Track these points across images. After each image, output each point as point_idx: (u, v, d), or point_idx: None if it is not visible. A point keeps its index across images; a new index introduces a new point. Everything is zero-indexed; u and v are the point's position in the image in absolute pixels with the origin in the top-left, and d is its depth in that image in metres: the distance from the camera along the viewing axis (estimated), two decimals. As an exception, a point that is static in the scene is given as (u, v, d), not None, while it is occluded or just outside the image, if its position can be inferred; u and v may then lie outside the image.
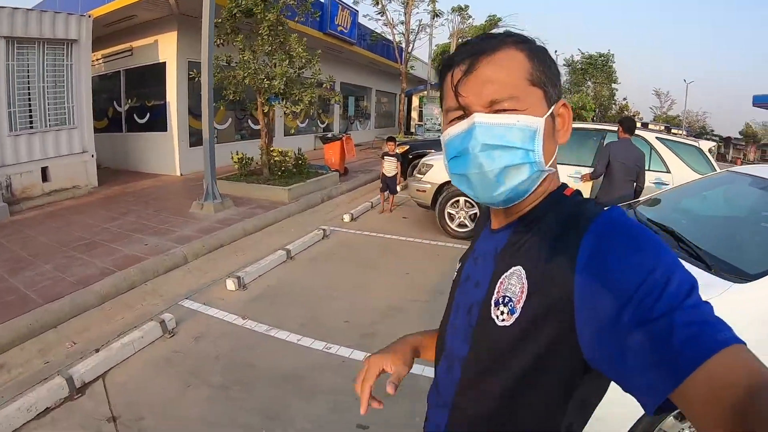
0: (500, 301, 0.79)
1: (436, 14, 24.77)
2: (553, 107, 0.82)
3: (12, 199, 8.63)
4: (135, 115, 12.86)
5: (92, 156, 10.28)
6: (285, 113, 9.87)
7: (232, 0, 9.38)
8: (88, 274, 5.35)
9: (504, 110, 0.78)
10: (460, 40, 30.31)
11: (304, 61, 9.81)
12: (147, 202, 8.98)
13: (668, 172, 6.53)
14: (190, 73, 9.48)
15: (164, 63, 11.83)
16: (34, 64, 9.10)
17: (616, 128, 6.22)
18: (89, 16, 9.99)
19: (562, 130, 0.86)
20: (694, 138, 8.21)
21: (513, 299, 0.76)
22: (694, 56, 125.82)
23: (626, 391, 0.62)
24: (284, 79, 9.18)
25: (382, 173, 8.87)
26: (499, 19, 31.27)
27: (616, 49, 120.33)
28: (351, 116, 22.85)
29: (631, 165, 5.70)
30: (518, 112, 0.78)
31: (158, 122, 12.19)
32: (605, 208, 0.76)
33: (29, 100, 9.15)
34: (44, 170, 9.34)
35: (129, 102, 13.04)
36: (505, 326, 0.77)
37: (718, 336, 0.56)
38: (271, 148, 10.35)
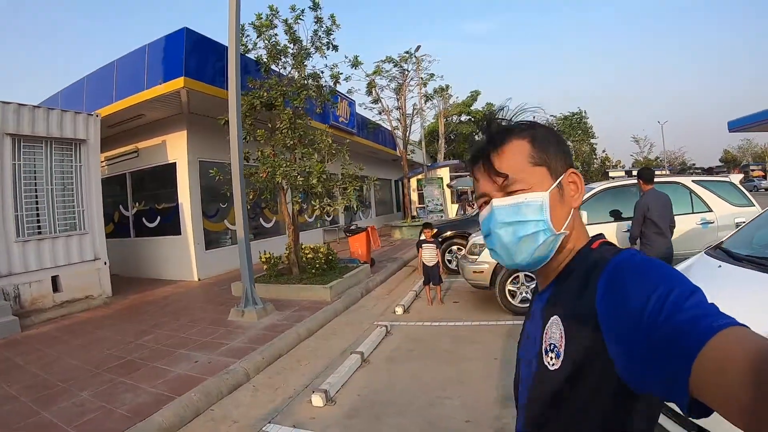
0: (548, 349, 0.89)
1: (427, 98, 25.38)
2: (561, 177, 0.96)
3: (21, 312, 7.73)
4: (144, 219, 12.13)
5: (105, 263, 9.40)
6: (321, 209, 9.21)
7: (250, 93, 9.20)
8: (140, 402, 4.42)
9: (515, 191, 0.94)
10: (446, 120, 31.25)
11: (333, 153, 9.55)
12: (175, 312, 8.01)
13: (710, 210, 6.79)
14: (210, 171, 9.06)
15: (174, 163, 11.31)
16: (42, 164, 8.51)
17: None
18: (97, 115, 9.53)
19: (576, 194, 0.98)
20: (724, 174, 8.47)
21: (557, 345, 0.86)
22: (664, 95, 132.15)
23: (664, 400, 0.70)
24: (322, 175, 8.71)
25: (422, 263, 8.10)
26: (479, 93, 33.56)
27: (587, 105, 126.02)
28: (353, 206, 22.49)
29: (666, 214, 5.75)
30: (525, 191, 0.94)
31: (170, 225, 11.47)
32: (621, 251, 0.87)
33: (36, 203, 8.44)
34: (54, 279, 8.49)
35: (137, 205, 12.35)
36: (555, 370, 0.86)
37: (715, 322, 0.62)
38: (302, 245, 9.75)
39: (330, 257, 9.72)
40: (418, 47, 22.95)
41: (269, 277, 9.38)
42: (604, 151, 57.27)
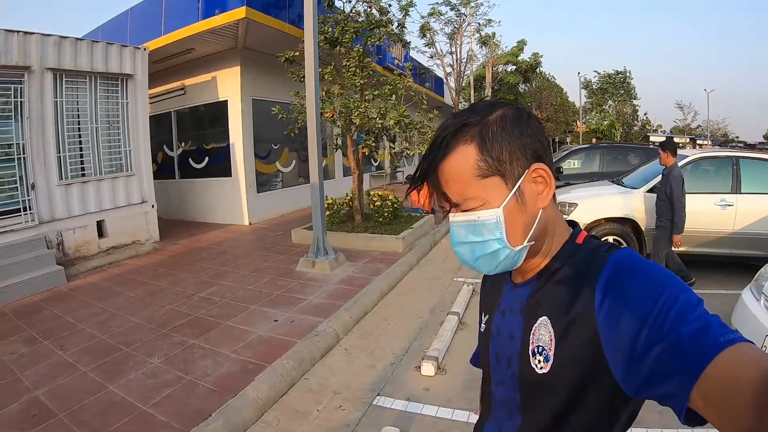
0: (536, 351, 0.85)
1: (483, 43, 23.95)
2: (520, 181, 0.84)
3: (65, 260, 7.09)
4: (190, 160, 11.34)
5: (153, 206, 8.68)
6: (394, 153, 8.41)
7: None
8: (224, 372, 3.76)
9: (468, 209, 0.85)
10: (493, 68, 29.93)
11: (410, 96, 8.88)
12: (234, 260, 7.33)
13: (738, 192, 6.10)
14: (272, 110, 8.36)
15: (225, 101, 10.41)
16: (85, 102, 7.67)
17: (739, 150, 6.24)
18: (145, 49, 8.57)
19: (545, 191, 0.86)
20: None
21: (545, 348, 0.82)
22: (712, 65, 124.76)
23: (662, 405, 0.66)
24: (403, 118, 7.98)
25: None
26: (525, 43, 32.34)
27: (633, 65, 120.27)
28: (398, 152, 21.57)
29: (684, 190, 5.44)
30: (477, 209, 0.84)
31: (220, 166, 10.68)
32: (615, 251, 0.81)
33: (80, 143, 7.67)
34: (100, 224, 7.84)
35: (182, 145, 11.53)
36: (544, 373, 0.82)
37: (722, 337, 0.60)
38: (368, 191, 9.09)
39: (396, 206, 8.94)
40: None
41: (331, 224, 8.62)
42: (645, 114, 54.54)
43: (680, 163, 5.89)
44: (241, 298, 5.42)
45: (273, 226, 10.14)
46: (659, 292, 0.68)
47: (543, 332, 0.84)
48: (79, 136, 7.62)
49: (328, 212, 8.59)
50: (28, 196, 6.70)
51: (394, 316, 5.13)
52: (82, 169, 7.64)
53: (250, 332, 4.46)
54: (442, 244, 8.52)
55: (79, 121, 7.60)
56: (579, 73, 55.76)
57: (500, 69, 33.98)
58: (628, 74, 48.52)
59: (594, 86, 49.00)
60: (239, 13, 8.14)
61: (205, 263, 7.17)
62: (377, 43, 8.79)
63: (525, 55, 34.46)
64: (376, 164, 18.54)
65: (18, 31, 6.54)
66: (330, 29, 8.38)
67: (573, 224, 0.94)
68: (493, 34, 26.72)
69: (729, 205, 5.97)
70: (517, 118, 0.86)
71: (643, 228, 6.04)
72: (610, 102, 48.72)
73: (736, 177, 6.12)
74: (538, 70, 38.82)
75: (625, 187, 6.69)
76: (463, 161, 0.83)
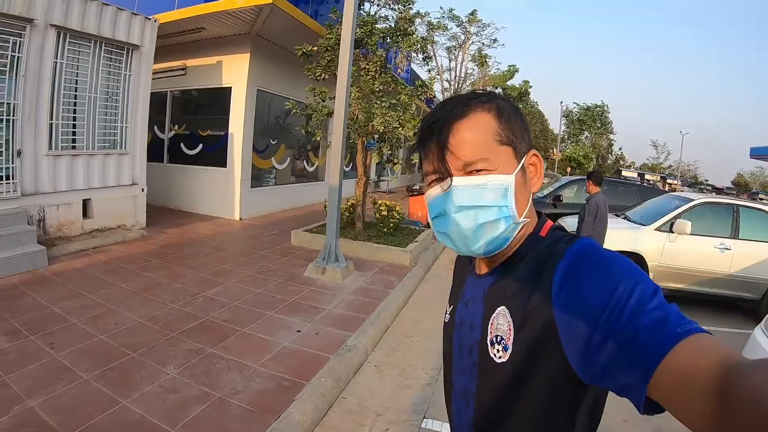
0: (494, 340, 0.85)
1: (481, 63, 24.05)
2: (523, 159, 0.87)
3: (45, 239, 6.49)
4: (182, 145, 10.69)
5: (143, 190, 8.08)
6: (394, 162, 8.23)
7: (330, 27, 8.07)
8: (257, 388, 3.34)
9: (477, 171, 0.83)
10: (483, 89, 30.16)
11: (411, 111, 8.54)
12: (233, 258, 6.85)
13: (736, 238, 6.43)
14: (287, 104, 8.07)
15: (229, 88, 9.87)
16: (86, 67, 7.08)
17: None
18: (155, 21, 8.03)
19: (535, 178, 0.91)
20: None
21: (504, 337, 0.83)
22: (687, 107, 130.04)
23: (620, 396, 0.65)
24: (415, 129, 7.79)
25: None
26: (517, 69, 32.27)
27: (612, 100, 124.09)
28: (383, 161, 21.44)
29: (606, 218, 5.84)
30: (489, 172, 0.83)
31: (215, 155, 10.12)
32: (575, 241, 0.81)
33: (74, 113, 7.05)
34: (85, 203, 7.26)
35: (175, 128, 10.89)
36: (503, 362, 0.83)
37: (679, 328, 0.60)
38: (374, 200, 8.78)
39: (400, 217, 8.72)
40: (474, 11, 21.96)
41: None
42: (620, 149, 56.59)
43: (686, 206, 6.50)
44: (253, 303, 4.96)
45: (265, 225, 9.66)
46: (616, 281, 0.68)
47: (501, 321, 0.84)
48: (75, 104, 7.02)
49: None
50: (13, 163, 6.10)
51: (415, 332, 4.83)
52: (74, 141, 7.05)
53: (273, 343, 4.04)
54: (442, 260, 8.29)
55: (76, 89, 7.00)
56: (561, 102, 57.05)
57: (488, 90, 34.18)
58: (605, 108, 50.23)
59: (574, 116, 50.35)
60: (267, -5, 7.70)
61: (202, 258, 6.66)
62: (408, 49, 8.52)
63: (515, 81, 34.98)
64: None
65: None
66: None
67: (545, 219, 0.93)
68: (486, 55, 26.90)
69: (727, 249, 6.30)
70: (517, 108, 0.92)
71: (648, 264, 6.25)
72: (586, 133, 50.09)
73: (735, 224, 6.48)
74: (525, 98, 39.43)
75: (631, 222, 6.94)
76: (483, 123, 0.85)
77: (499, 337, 0.84)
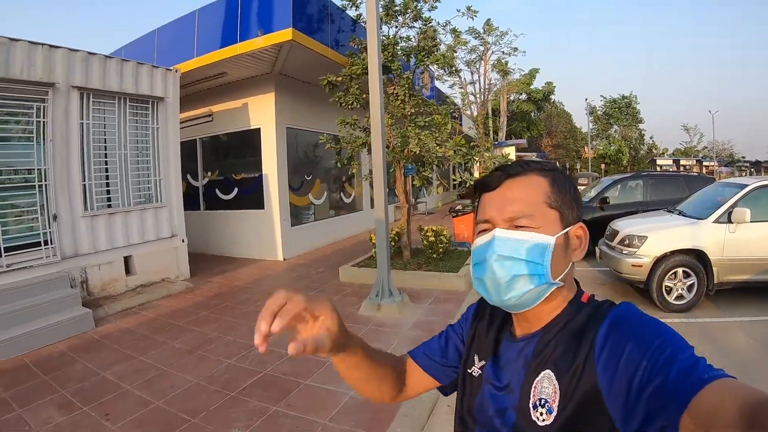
0: (538, 404, 0.83)
1: (504, 73, 23.80)
2: (569, 228, 0.90)
3: (90, 300, 6.41)
4: (217, 190, 10.66)
5: (183, 241, 7.94)
6: (456, 184, 8.11)
7: (352, 56, 8.07)
8: None
9: (521, 227, 0.87)
10: (508, 97, 29.82)
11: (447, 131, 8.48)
12: None
13: None
14: (321, 139, 7.97)
15: (258, 129, 9.81)
16: (113, 125, 7.07)
17: None
18: (177, 71, 7.97)
19: (578, 249, 0.92)
20: None
21: (548, 400, 0.82)
22: (715, 86, 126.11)
23: None
24: (461, 147, 7.88)
25: None
26: (537, 71, 32.17)
27: (639, 89, 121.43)
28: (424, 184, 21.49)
29: None
30: (533, 230, 0.86)
31: (251, 198, 10.02)
32: (615, 306, 0.84)
33: (107, 171, 7.03)
34: (127, 260, 7.18)
35: (209, 175, 10.89)
36: (546, 425, 0.81)
37: (706, 375, 0.63)
38: (420, 227, 8.50)
39: (448, 241, 8.42)
40: (488, 20, 21.99)
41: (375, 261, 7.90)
42: (651, 138, 54.98)
43: (741, 193, 6.09)
44: (309, 350, 4.62)
45: (310, 262, 9.44)
46: (653, 339, 0.71)
47: (546, 385, 0.83)
48: (106, 162, 7.00)
49: (374, 249, 7.93)
50: (50, 228, 6.07)
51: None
52: (109, 199, 7.02)
53: (339, 393, 3.72)
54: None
55: (105, 147, 7.00)
56: (587, 99, 56.04)
57: (512, 98, 33.90)
58: (633, 99, 48.94)
59: (599, 112, 49.30)
60: (285, 35, 7.60)
61: (251, 306, 6.41)
62: (435, 64, 8.32)
63: (537, 83, 34.63)
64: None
65: (43, 44, 6.03)
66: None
67: (582, 290, 0.95)
68: (506, 62, 26.67)
69: None
70: (572, 182, 0.94)
71: (711, 259, 5.92)
72: (615, 127, 48.93)
73: None
74: (550, 99, 38.91)
75: (687, 217, 6.59)
76: (536, 184, 0.89)
77: (543, 401, 0.83)
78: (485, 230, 0.91)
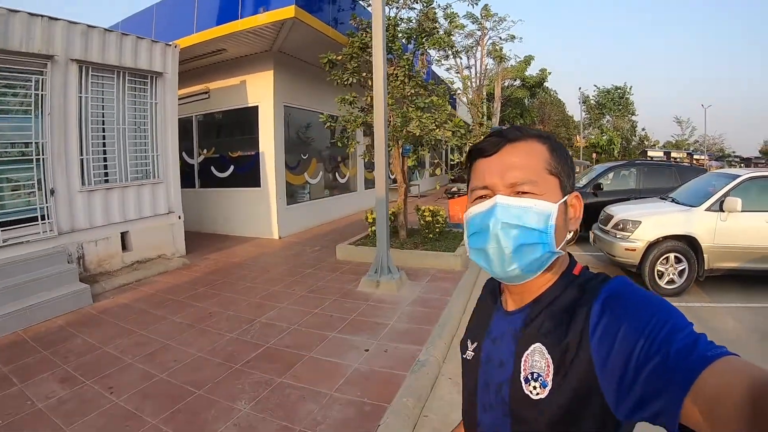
0: (530, 377, 0.82)
1: (500, 59, 23.69)
2: (566, 197, 0.87)
3: (87, 276, 6.38)
4: (213, 168, 10.63)
5: (179, 218, 7.92)
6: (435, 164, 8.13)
7: (352, 35, 7.99)
8: (338, 417, 3.08)
9: (523, 193, 0.84)
10: (502, 82, 29.61)
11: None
12: (281, 279, 6.64)
13: None
14: (320, 117, 7.94)
15: (256, 107, 9.76)
16: (112, 100, 6.97)
17: None
18: (176, 46, 7.90)
19: (574, 218, 0.90)
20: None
21: (541, 374, 0.80)
22: (709, 80, 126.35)
23: (654, 424, 0.64)
24: (459, 129, 7.85)
25: None
26: (532, 58, 31.68)
27: (631, 79, 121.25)
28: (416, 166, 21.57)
29: None
30: (536, 196, 0.83)
31: (247, 176, 10.00)
32: (609, 280, 0.82)
33: (104, 146, 6.95)
34: (123, 236, 7.14)
35: (204, 152, 10.83)
36: (541, 399, 0.79)
37: (708, 352, 0.61)
38: (417, 206, 8.56)
39: (444, 221, 8.50)
40: (486, 6, 21.63)
41: (372, 239, 8.04)
42: (643, 129, 55.38)
43: (734, 183, 6.19)
44: (312, 324, 4.72)
45: (305, 241, 9.48)
46: (650, 316, 0.69)
47: (538, 358, 0.82)
48: (104, 137, 6.92)
49: (371, 228, 7.96)
50: (47, 202, 6.01)
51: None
52: (106, 174, 6.95)
53: (343, 365, 3.79)
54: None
55: (103, 121, 6.91)
56: (580, 88, 56.05)
57: (506, 84, 33.76)
58: (627, 90, 49.03)
59: (591, 102, 49.37)
60: (287, 12, 7.54)
61: (249, 282, 6.45)
62: (434, 47, 8.42)
63: (531, 70, 34.47)
64: (392, 177, 17.99)
65: (42, 16, 5.91)
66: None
67: (575, 261, 0.93)
68: (501, 48, 26.53)
69: None
70: (567, 151, 0.92)
71: (702, 246, 6.08)
72: (607, 117, 49.04)
73: None
74: (544, 85, 38.80)
75: (680, 204, 6.73)
76: (537, 151, 0.86)
77: (535, 374, 0.81)
78: (482, 197, 0.88)
